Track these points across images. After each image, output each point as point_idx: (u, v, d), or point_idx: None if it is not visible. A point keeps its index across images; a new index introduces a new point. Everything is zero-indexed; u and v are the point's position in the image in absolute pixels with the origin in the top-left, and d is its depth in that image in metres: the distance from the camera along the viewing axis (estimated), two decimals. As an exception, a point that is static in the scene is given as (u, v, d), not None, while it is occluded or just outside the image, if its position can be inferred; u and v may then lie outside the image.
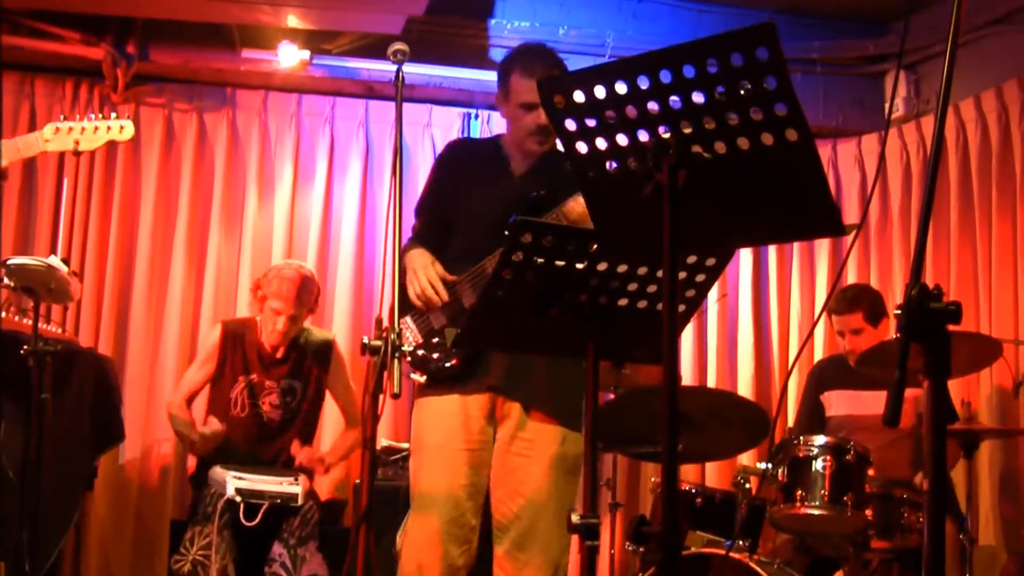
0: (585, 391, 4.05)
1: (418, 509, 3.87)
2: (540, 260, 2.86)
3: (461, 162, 4.12)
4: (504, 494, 3.88)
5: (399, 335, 3.17)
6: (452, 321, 3.89)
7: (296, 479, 4.99)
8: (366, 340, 3.19)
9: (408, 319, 3.97)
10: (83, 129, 3.99)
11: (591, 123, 2.37)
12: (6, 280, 4.49)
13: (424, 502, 3.85)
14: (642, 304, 2.96)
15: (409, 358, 3.88)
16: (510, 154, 4.06)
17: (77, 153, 4.05)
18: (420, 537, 3.82)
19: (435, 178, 4.20)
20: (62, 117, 3.97)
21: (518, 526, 3.84)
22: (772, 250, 6.93)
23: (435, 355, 3.88)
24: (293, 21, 6.16)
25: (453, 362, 3.86)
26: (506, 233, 3.77)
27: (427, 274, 3.84)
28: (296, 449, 5.31)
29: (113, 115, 4.03)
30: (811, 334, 6.81)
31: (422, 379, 3.90)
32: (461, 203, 4.00)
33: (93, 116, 4.02)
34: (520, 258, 2.86)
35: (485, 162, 4.09)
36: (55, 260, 4.60)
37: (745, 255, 6.90)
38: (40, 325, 4.57)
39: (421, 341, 3.91)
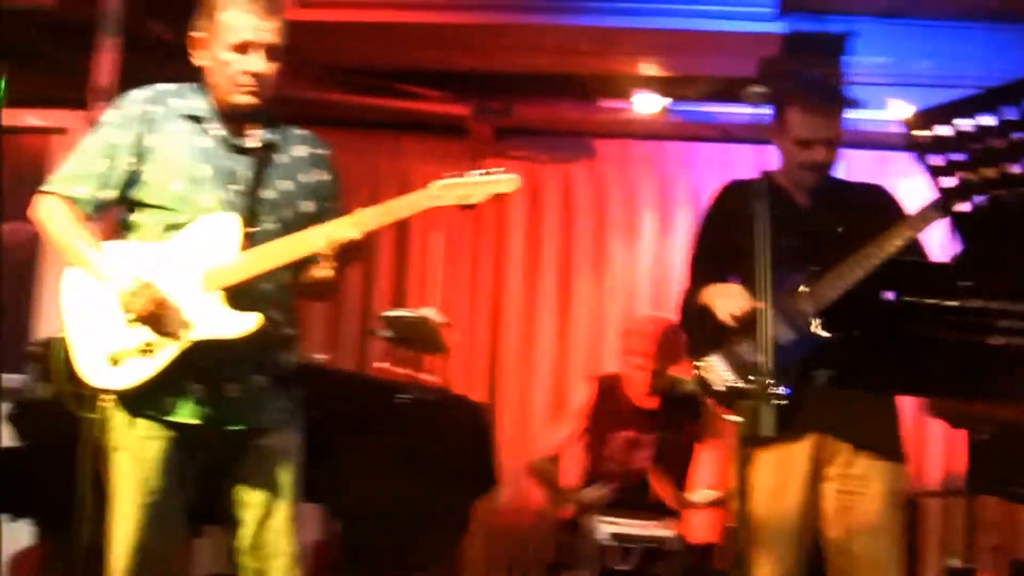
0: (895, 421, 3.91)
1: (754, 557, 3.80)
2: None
3: (739, 201, 3.80)
4: (839, 534, 3.81)
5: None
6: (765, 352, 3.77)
7: (664, 523, 5.02)
8: (727, 387, 3.15)
9: (711, 359, 3.87)
10: (466, 184, 4.15)
11: (958, 157, 2.29)
12: (384, 331, 4.72)
13: (759, 551, 3.76)
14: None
15: (723, 399, 3.78)
16: (786, 186, 3.95)
17: (465, 207, 4.22)
18: None
19: (712, 222, 4.10)
20: (447, 176, 4.13)
21: (858, 565, 3.78)
22: None
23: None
24: (648, 69, 6.21)
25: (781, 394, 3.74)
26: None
27: (737, 300, 3.73)
28: (664, 486, 5.30)
29: (499, 169, 4.16)
30: None
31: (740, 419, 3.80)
32: (744, 241, 3.71)
33: (477, 172, 4.16)
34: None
35: (763, 197, 3.95)
36: (429, 312, 4.80)
37: None
38: (415, 373, 4.77)
39: (736, 378, 3.79)
